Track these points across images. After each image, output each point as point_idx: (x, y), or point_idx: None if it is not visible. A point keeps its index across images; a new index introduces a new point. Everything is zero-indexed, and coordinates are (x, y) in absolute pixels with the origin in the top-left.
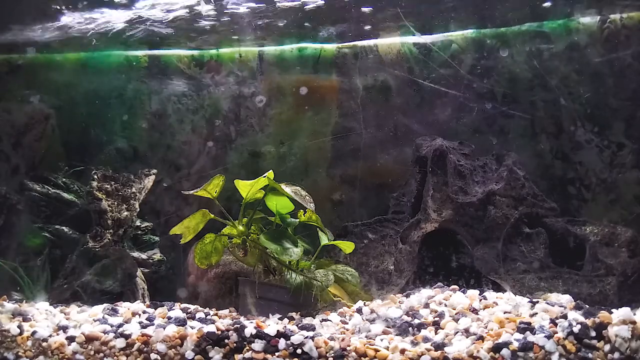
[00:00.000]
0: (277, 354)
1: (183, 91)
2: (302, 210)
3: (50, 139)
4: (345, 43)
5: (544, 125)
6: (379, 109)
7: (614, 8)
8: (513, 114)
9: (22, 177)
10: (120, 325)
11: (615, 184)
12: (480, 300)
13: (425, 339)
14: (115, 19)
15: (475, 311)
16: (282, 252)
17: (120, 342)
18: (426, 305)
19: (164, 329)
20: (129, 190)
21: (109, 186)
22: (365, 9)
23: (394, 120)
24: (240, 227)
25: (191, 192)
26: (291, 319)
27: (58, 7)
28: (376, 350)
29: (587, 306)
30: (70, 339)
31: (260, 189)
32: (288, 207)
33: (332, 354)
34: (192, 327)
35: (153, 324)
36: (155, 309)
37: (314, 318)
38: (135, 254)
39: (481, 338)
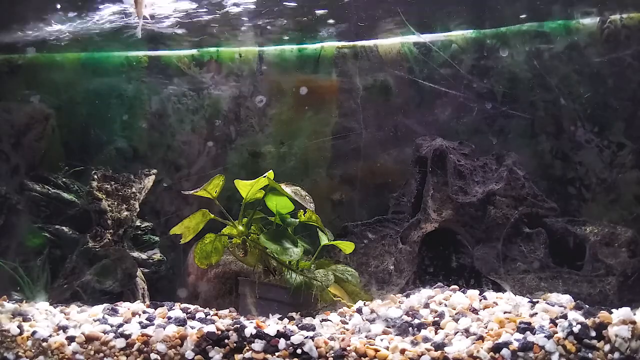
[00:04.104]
0: (277, 354)
1: (183, 91)
2: (302, 210)
3: (50, 139)
4: (345, 43)
5: (544, 125)
6: (379, 109)
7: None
8: (513, 114)
9: (22, 177)
10: (120, 325)
11: (615, 184)
12: (480, 300)
13: (425, 339)
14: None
15: (475, 311)
16: (282, 252)
17: (120, 342)
18: (426, 305)
19: (164, 329)
20: (129, 190)
21: (109, 186)
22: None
23: (394, 120)
24: (240, 227)
25: (191, 192)
26: (291, 319)
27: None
28: (376, 350)
29: (587, 306)
30: (70, 339)
31: (260, 189)
32: (288, 207)
33: (332, 354)
34: (192, 327)
35: (153, 324)
36: (155, 309)
37: (314, 318)
38: (135, 254)
39: (481, 338)
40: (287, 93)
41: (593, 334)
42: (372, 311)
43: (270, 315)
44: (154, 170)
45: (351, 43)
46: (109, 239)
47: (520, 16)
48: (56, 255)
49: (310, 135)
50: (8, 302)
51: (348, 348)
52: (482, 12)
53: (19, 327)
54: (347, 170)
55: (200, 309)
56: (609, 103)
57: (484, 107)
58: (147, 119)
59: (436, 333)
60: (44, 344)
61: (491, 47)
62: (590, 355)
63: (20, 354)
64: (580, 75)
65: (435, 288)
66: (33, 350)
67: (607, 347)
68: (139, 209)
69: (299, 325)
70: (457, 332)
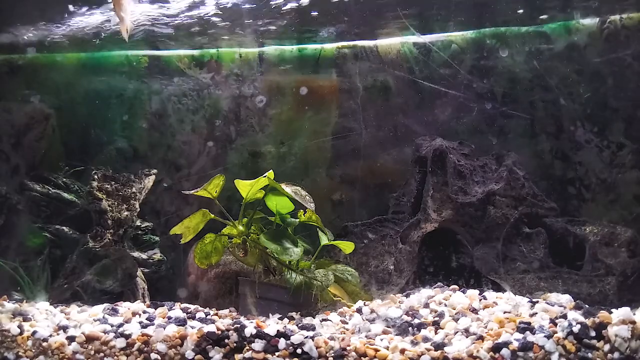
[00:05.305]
0: (277, 353)
1: (183, 91)
2: (302, 210)
3: (51, 139)
4: (345, 43)
5: (544, 125)
6: (379, 109)
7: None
8: (513, 114)
9: (22, 177)
10: (120, 325)
11: (615, 184)
12: (480, 300)
13: (425, 339)
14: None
15: (475, 311)
16: (282, 252)
17: (120, 342)
18: (426, 305)
19: (164, 328)
20: (129, 190)
21: (109, 186)
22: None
23: (393, 120)
24: (240, 227)
25: (191, 192)
26: (291, 318)
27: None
28: (376, 350)
29: (587, 306)
30: (71, 339)
31: (261, 189)
32: (288, 207)
33: (332, 354)
34: (192, 327)
35: (153, 324)
36: (156, 309)
37: (314, 318)
38: (136, 254)
39: (481, 338)
40: (287, 93)
41: (593, 333)
42: (372, 311)
43: (270, 315)
44: (154, 170)
45: (351, 43)
46: (109, 239)
47: (518, 11)
48: (56, 255)
49: (310, 135)
50: (8, 302)
51: (348, 348)
52: (482, 12)
53: (19, 327)
54: (347, 170)
55: (200, 308)
56: (608, 103)
57: (483, 107)
58: (147, 119)
59: (436, 333)
60: (44, 343)
61: (491, 47)
62: (590, 355)
63: (20, 353)
64: (580, 75)
65: (435, 288)
66: (33, 350)
67: (606, 347)
68: (139, 209)
69: (299, 325)
70: (457, 332)
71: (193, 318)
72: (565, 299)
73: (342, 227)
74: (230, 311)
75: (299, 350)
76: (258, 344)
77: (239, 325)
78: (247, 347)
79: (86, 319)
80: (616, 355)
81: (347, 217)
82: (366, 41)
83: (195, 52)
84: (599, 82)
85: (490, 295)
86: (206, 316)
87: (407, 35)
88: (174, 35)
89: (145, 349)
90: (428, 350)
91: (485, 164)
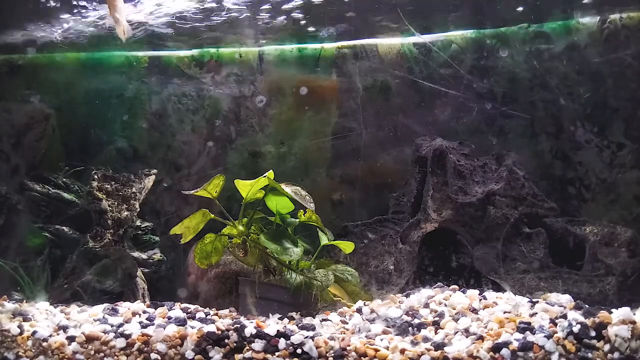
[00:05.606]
0: (277, 353)
1: (183, 91)
2: (302, 210)
3: (50, 139)
4: (345, 43)
5: (544, 125)
6: (379, 109)
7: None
8: (513, 114)
9: (22, 177)
10: (120, 325)
11: (615, 184)
12: (480, 300)
13: (425, 339)
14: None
15: (475, 311)
16: (282, 252)
17: (120, 342)
18: (426, 305)
19: (164, 328)
20: (129, 190)
21: (109, 186)
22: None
23: (393, 120)
24: (240, 227)
25: (191, 192)
26: (291, 318)
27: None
28: (376, 350)
29: (587, 306)
30: (71, 339)
31: (261, 189)
32: (288, 207)
33: (332, 354)
34: (192, 327)
35: (153, 324)
36: (156, 309)
37: (314, 318)
38: (136, 254)
39: (481, 338)
40: (287, 93)
41: (593, 333)
42: (372, 311)
43: (270, 315)
44: (154, 170)
45: (351, 43)
46: (109, 239)
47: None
48: (56, 255)
49: (310, 135)
50: (8, 302)
51: (348, 348)
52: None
53: (19, 327)
54: (347, 170)
55: (200, 308)
56: (608, 103)
57: (484, 107)
58: (147, 119)
59: (436, 333)
60: (44, 343)
61: (491, 47)
62: (590, 355)
63: (20, 353)
64: (580, 75)
65: (435, 288)
66: (33, 350)
67: (606, 347)
68: (139, 209)
69: (299, 325)
70: (457, 332)
71: (193, 318)
72: (565, 299)
73: (342, 227)
74: (230, 311)
75: (299, 350)
76: (258, 344)
77: (239, 325)
78: (247, 347)
79: (86, 319)
80: (616, 355)
81: (347, 217)
82: (366, 41)
83: (195, 52)
84: (599, 82)
85: (490, 295)
86: (206, 316)
87: (407, 35)
88: (173, 35)
89: (145, 349)
90: (428, 350)
91: (485, 164)
